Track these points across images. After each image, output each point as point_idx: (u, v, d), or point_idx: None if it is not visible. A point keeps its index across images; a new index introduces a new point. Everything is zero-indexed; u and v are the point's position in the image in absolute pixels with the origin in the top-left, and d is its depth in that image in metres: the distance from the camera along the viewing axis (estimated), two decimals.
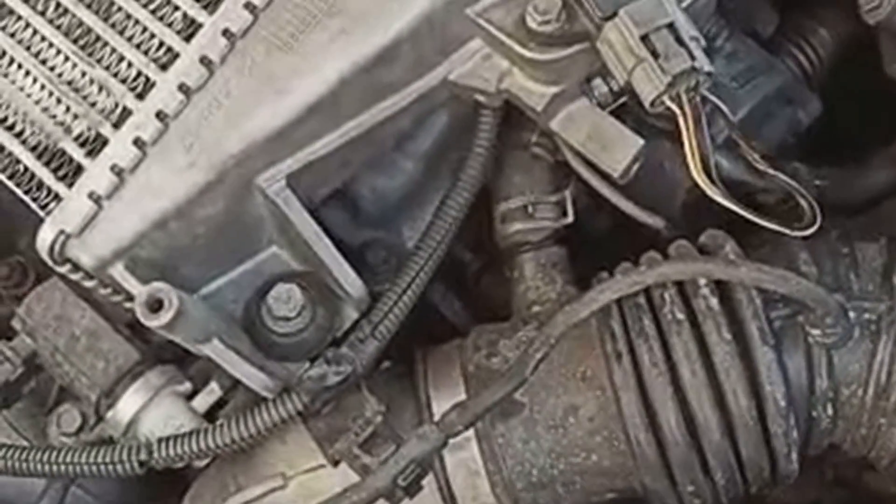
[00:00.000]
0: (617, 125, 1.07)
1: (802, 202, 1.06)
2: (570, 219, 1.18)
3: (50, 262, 1.04)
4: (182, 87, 1.03)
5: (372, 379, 1.10)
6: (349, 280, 1.08)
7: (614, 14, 0.99)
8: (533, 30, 1.02)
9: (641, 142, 1.06)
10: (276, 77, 1.03)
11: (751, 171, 1.13)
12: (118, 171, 1.03)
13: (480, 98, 1.10)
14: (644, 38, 0.98)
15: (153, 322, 0.98)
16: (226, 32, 1.04)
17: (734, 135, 1.12)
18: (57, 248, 1.03)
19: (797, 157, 1.22)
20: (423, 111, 1.11)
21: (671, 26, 0.98)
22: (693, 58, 0.97)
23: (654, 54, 0.98)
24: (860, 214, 1.19)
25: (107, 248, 1.02)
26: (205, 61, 1.03)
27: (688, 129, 0.99)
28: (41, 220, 1.04)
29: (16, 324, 1.13)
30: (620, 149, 1.06)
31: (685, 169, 1.04)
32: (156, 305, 0.98)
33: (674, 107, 0.99)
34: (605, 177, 1.12)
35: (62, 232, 1.02)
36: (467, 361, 1.13)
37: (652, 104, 0.99)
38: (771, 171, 1.10)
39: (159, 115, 1.03)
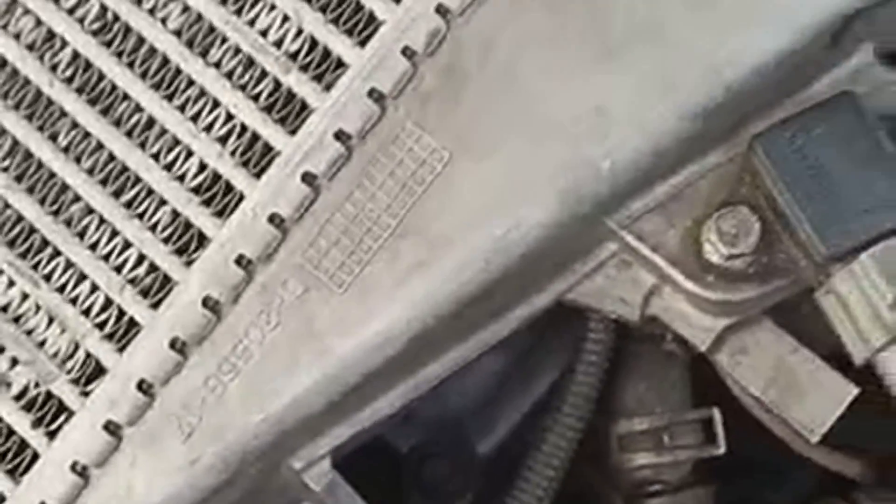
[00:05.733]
0: (817, 364, 0.73)
1: None
2: (721, 448, 0.83)
3: None
4: (174, 344, 0.68)
5: None
6: None
7: (849, 254, 0.64)
8: (714, 264, 0.67)
9: (855, 390, 0.73)
10: (318, 329, 0.68)
11: None
12: (81, 470, 0.68)
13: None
14: None
15: None
16: (240, 259, 0.68)
17: None
18: None
19: None
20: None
21: None
22: None
23: None
24: None
25: None
26: (208, 303, 0.68)
27: None
28: None
29: None
30: (823, 401, 0.73)
31: None
32: None
33: None
34: None
35: None
36: None
37: None
38: None
39: (141, 386, 0.68)
